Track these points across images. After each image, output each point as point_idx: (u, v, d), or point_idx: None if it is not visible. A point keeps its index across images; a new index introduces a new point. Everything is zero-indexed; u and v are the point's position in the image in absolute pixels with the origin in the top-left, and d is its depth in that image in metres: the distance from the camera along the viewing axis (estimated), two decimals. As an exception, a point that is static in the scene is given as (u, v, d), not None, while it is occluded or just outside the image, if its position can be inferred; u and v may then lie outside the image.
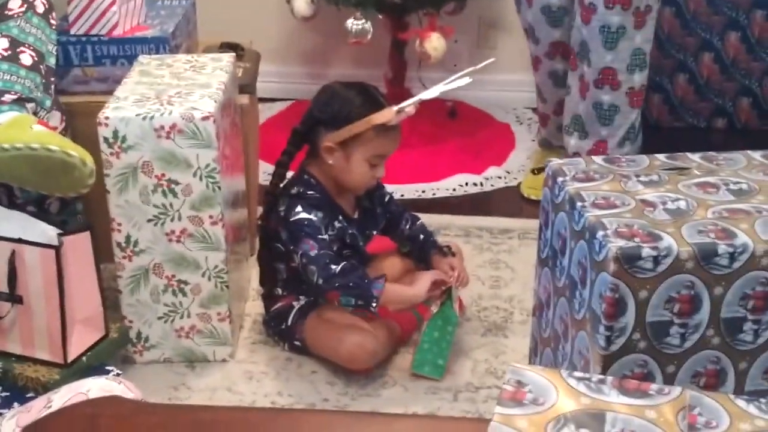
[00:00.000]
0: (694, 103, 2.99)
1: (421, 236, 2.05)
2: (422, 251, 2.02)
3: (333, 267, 1.82)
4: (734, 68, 2.92)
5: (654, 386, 0.91)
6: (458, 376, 1.89)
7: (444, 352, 1.87)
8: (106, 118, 1.73)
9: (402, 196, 2.57)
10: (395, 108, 1.81)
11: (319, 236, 1.84)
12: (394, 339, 1.92)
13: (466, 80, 1.86)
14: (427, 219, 2.44)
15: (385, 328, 1.91)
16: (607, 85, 2.21)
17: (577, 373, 0.93)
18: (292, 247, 1.88)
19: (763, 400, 0.90)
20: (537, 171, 2.60)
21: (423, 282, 1.88)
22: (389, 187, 2.59)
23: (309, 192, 1.89)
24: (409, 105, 1.82)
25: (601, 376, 0.93)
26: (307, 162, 1.93)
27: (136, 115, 1.73)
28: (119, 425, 1.04)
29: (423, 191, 2.62)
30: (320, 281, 1.82)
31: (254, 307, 2.08)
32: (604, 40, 2.16)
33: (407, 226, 2.06)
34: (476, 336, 2.02)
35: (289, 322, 1.94)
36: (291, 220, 1.86)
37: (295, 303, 1.94)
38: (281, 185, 1.93)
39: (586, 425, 0.86)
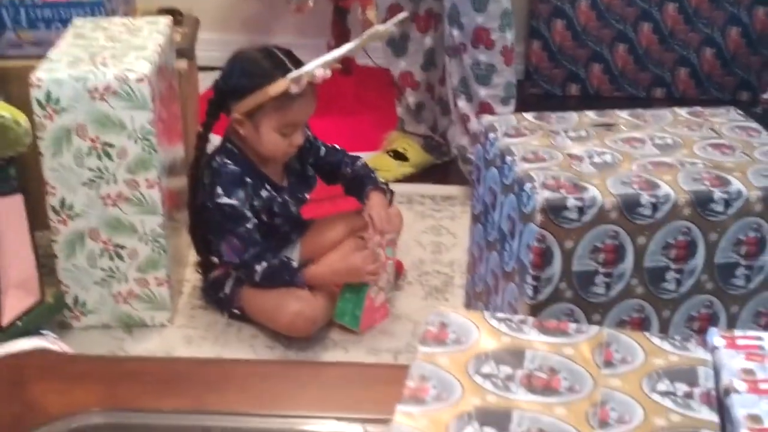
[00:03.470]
0: (633, 73, 3.03)
1: (362, 172, 2.01)
2: (360, 184, 1.98)
3: (256, 269, 1.84)
4: (672, 38, 2.97)
5: (572, 325, 0.93)
6: (399, 337, 1.90)
7: (360, 303, 1.87)
8: (39, 79, 1.71)
9: (344, 164, 2.57)
10: (290, 76, 1.75)
11: (241, 228, 1.84)
12: (334, 303, 1.93)
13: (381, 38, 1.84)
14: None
15: (324, 293, 1.91)
16: (482, 44, 2.25)
17: (500, 315, 0.94)
18: (213, 237, 1.89)
19: (677, 337, 0.92)
20: (392, 154, 2.58)
21: (356, 255, 1.88)
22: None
23: (229, 164, 1.86)
24: (305, 72, 1.76)
25: (522, 317, 0.94)
26: (231, 130, 1.90)
27: (70, 77, 1.71)
28: (46, 375, 1.03)
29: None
30: (246, 279, 1.88)
31: (194, 272, 2.08)
32: (472, 2, 2.21)
33: (348, 169, 2.02)
34: (417, 299, 2.03)
35: (227, 291, 1.93)
36: (212, 204, 1.85)
37: (231, 271, 1.93)
38: (204, 156, 1.91)
39: (505, 362, 0.87)
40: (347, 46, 1.86)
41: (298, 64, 1.81)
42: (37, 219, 1.82)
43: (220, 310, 1.96)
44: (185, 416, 0.97)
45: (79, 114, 1.72)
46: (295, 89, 1.76)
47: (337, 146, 2.06)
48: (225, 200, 1.84)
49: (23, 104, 1.72)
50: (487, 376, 0.85)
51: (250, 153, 1.89)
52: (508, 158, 1.30)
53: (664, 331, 1.29)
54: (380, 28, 1.86)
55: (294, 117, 1.83)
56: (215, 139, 1.97)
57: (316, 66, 1.77)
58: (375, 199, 1.94)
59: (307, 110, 1.85)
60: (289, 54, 1.85)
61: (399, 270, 2.07)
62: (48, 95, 1.71)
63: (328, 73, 1.79)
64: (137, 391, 1.00)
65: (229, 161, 1.87)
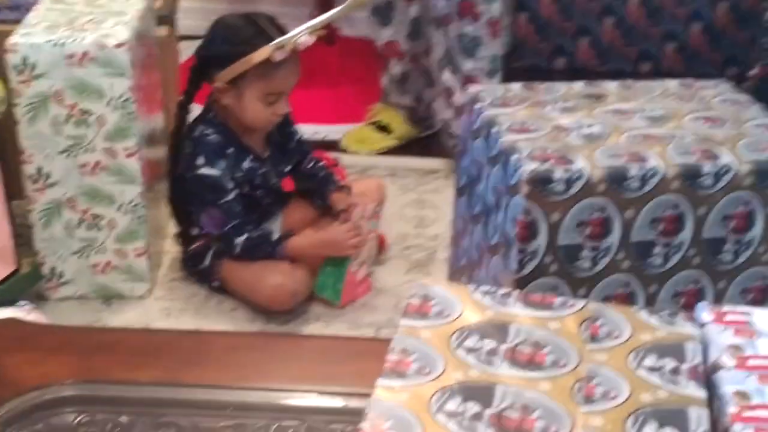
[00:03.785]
0: (620, 47, 3.00)
1: (321, 174, 1.99)
2: (320, 186, 1.96)
3: (236, 241, 1.81)
4: (660, 13, 2.94)
5: (558, 299, 0.92)
6: (381, 312, 1.88)
7: (341, 277, 1.85)
8: (15, 44, 1.67)
9: (325, 137, 2.54)
10: (274, 43, 1.72)
11: (222, 200, 1.80)
12: (315, 276, 1.90)
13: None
14: (352, 159, 2.43)
15: (306, 266, 1.88)
16: (468, 15, 2.21)
17: (484, 288, 0.93)
18: (193, 208, 1.86)
19: (665, 312, 0.91)
20: (375, 126, 2.53)
21: (339, 227, 1.85)
22: (314, 128, 2.58)
23: (211, 134, 1.83)
24: (289, 39, 1.73)
25: (507, 290, 0.92)
26: (212, 99, 1.86)
27: (47, 42, 1.67)
28: (18, 346, 1.01)
29: (346, 132, 2.58)
30: (226, 250, 1.85)
31: (174, 244, 2.04)
32: None
33: (309, 165, 2.00)
34: (400, 274, 2.01)
35: (207, 263, 1.90)
36: (193, 174, 1.81)
37: (211, 243, 1.90)
38: (185, 126, 1.87)
39: (489, 335, 0.86)
40: (331, 13, 1.83)
41: (281, 31, 1.78)
42: (14, 188, 1.78)
43: (200, 283, 1.93)
44: (161, 389, 0.95)
45: (57, 80, 1.68)
46: (278, 56, 1.73)
47: (307, 142, 2.04)
48: (206, 171, 1.81)
49: (1, 69, 1.68)
50: (470, 350, 0.83)
51: (232, 123, 1.86)
52: (494, 129, 1.27)
53: (650, 306, 1.27)
54: None
55: (278, 85, 1.80)
56: (196, 109, 1.93)
57: (300, 32, 1.73)
58: (339, 196, 1.93)
59: (291, 78, 1.82)
60: (272, 21, 1.81)
61: (381, 244, 2.05)
62: (24, 60, 1.67)
63: (312, 39, 1.76)
64: (112, 362, 0.97)
65: (210, 131, 1.84)
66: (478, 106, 1.34)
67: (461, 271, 1.48)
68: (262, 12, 1.87)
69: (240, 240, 1.81)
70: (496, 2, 2.24)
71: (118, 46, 1.68)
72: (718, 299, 1.27)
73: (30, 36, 1.69)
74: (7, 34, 1.73)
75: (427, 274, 2.01)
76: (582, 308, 0.90)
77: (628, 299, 1.25)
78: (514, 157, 1.20)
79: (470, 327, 0.87)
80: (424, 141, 2.59)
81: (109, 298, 1.87)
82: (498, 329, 0.87)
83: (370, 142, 2.50)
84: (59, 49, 1.67)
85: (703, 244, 1.24)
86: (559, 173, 1.17)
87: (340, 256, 1.85)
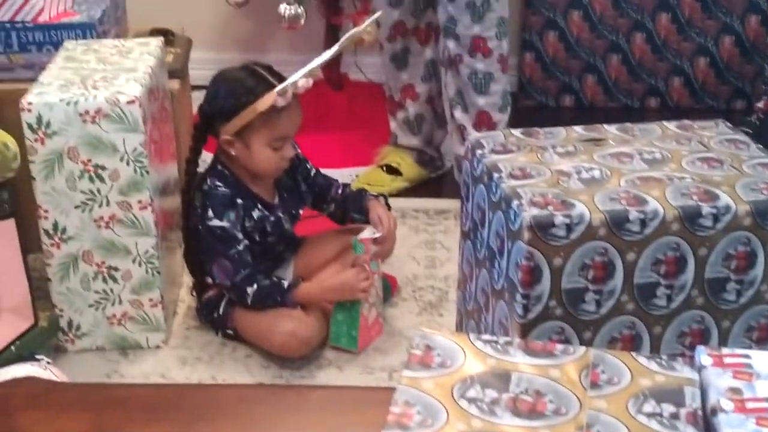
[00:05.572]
0: (627, 84, 3.03)
1: (353, 193, 2.02)
2: (357, 200, 1.99)
3: (248, 291, 1.84)
4: (666, 48, 2.97)
5: (559, 347, 0.93)
6: (393, 355, 1.90)
7: (355, 323, 1.87)
8: (29, 103, 1.71)
9: (336, 180, 2.57)
10: (276, 90, 1.77)
11: (232, 251, 1.84)
12: (327, 322, 1.92)
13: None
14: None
15: (318, 312, 1.90)
16: (479, 53, 2.26)
17: (485, 336, 0.94)
18: (205, 259, 1.89)
19: (663, 357, 0.92)
20: (385, 168, 2.58)
21: (348, 272, 1.87)
22: (325, 172, 2.61)
23: (220, 186, 1.87)
24: (290, 84, 1.78)
25: (508, 338, 0.94)
26: (220, 150, 1.90)
27: (60, 100, 1.72)
28: (32, 404, 1.03)
29: (357, 175, 2.62)
30: (238, 301, 1.88)
31: (189, 293, 2.07)
32: (471, 14, 2.24)
33: (338, 192, 2.03)
34: (411, 315, 2.03)
35: (221, 311, 1.93)
36: (203, 227, 1.85)
37: (225, 292, 1.93)
38: (194, 180, 1.91)
39: (491, 385, 0.87)
40: (327, 53, 1.89)
41: (280, 77, 1.83)
42: (32, 241, 1.82)
43: (215, 331, 1.95)
44: (173, 443, 0.97)
45: (71, 137, 1.73)
46: (281, 102, 1.77)
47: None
48: (216, 223, 1.84)
49: (15, 127, 1.72)
50: (472, 401, 0.84)
51: (240, 173, 1.90)
52: (495, 175, 1.30)
53: (655, 347, 1.29)
54: (357, 30, 1.89)
55: (283, 130, 1.84)
56: (207, 156, 1.97)
57: (299, 76, 1.78)
58: (377, 205, 1.96)
59: (295, 121, 1.86)
60: (269, 69, 1.86)
61: (393, 286, 2.07)
62: (39, 119, 1.71)
63: (310, 82, 1.81)
64: (124, 418, 0.99)
65: (219, 183, 1.87)
66: (479, 152, 1.37)
67: (470, 314, 1.50)
68: (257, 61, 1.92)
69: (251, 290, 1.84)
70: (506, 38, 2.29)
71: (130, 102, 1.72)
72: (723, 338, 1.28)
73: (44, 95, 1.73)
74: (22, 92, 1.78)
75: (438, 316, 2.02)
76: (582, 355, 0.91)
77: (633, 341, 1.26)
78: (515, 203, 1.22)
79: (473, 377, 0.89)
80: (434, 182, 2.62)
81: (126, 348, 1.90)
82: (500, 378, 0.88)
83: (381, 185, 2.53)
84: (73, 107, 1.71)
85: (706, 285, 1.26)
86: (559, 218, 1.19)
87: (350, 301, 1.87)
